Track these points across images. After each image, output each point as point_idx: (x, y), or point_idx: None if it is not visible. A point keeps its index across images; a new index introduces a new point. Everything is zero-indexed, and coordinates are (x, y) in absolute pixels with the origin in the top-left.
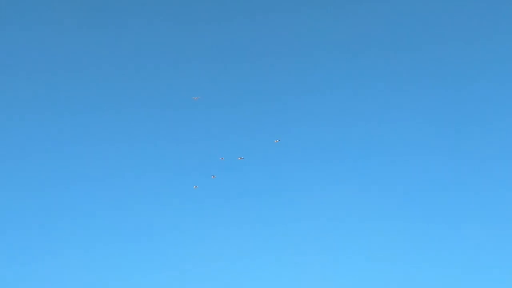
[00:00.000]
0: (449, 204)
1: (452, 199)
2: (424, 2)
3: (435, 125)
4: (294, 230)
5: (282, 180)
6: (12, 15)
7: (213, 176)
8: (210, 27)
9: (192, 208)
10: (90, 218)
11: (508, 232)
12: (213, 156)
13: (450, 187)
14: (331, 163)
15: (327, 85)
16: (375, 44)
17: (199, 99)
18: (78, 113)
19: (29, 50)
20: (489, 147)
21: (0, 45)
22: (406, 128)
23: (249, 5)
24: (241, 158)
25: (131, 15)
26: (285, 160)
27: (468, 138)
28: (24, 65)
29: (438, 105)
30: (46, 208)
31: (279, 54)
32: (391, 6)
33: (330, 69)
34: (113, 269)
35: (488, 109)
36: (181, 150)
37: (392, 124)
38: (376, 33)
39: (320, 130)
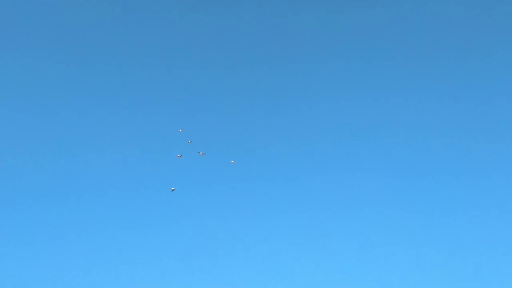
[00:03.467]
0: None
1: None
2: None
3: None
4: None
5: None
6: (12, 15)
7: (179, 155)
8: (209, 28)
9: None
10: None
11: None
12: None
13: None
14: (335, 158)
15: (331, 86)
16: (379, 45)
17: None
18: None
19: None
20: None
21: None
22: (412, 125)
23: (254, 8)
24: (202, 153)
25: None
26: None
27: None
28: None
29: (443, 104)
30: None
31: (277, 56)
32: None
33: (335, 72)
34: (115, 262)
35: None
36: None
37: (397, 122)
38: (380, 35)
39: (323, 129)
